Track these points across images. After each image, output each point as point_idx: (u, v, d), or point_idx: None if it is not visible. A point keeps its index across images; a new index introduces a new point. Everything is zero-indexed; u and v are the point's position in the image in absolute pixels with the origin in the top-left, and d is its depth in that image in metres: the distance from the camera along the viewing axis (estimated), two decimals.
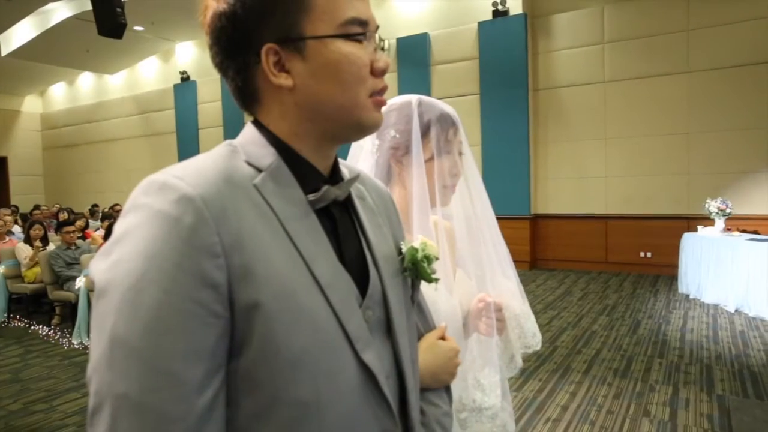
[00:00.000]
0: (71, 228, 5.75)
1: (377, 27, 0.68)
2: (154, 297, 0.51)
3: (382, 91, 0.68)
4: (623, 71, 7.40)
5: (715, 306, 5.44)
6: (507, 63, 7.81)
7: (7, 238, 6.69)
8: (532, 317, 1.17)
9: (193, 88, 11.59)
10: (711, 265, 5.60)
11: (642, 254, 7.35)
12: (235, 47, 0.64)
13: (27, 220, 7.64)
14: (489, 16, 7.98)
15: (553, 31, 7.88)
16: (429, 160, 1.14)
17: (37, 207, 11.30)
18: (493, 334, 1.10)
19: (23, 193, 14.64)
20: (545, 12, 7.93)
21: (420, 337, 0.88)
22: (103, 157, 13.61)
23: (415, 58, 8.50)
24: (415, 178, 1.11)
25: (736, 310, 5.22)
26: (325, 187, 0.66)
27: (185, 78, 11.70)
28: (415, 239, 0.80)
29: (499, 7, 7.85)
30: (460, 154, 1.19)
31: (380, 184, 0.86)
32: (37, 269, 5.77)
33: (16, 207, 12.20)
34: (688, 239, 6.09)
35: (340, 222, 0.70)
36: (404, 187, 1.16)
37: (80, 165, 14.25)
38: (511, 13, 7.82)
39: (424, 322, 0.90)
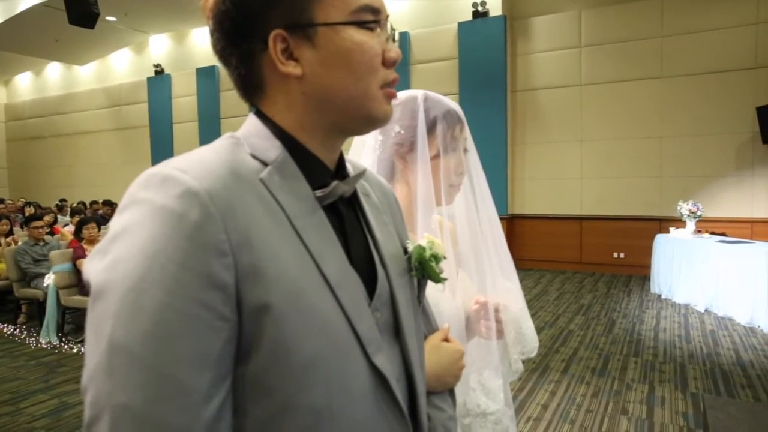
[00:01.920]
0: (39, 223, 5.55)
1: (388, 16, 0.65)
2: (157, 299, 0.47)
3: (394, 82, 0.65)
4: (599, 75, 7.53)
5: (686, 306, 5.58)
6: (486, 64, 7.86)
7: None
8: (530, 322, 1.14)
9: (167, 82, 11.33)
10: (682, 266, 5.75)
11: (615, 255, 7.50)
12: (239, 33, 0.60)
13: None
14: (469, 17, 8.02)
15: (532, 34, 7.96)
16: (434, 158, 1.10)
17: (1, 201, 10.89)
18: (492, 336, 1.08)
19: None
20: (524, 14, 8.01)
21: (424, 338, 0.86)
22: (72, 150, 13.21)
23: None
24: (420, 175, 1.08)
25: (705, 310, 5.36)
26: (334, 183, 0.63)
27: (159, 71, 11.43)
28: (421, 238, 0.78)
29: (479, 8, 7.89)
30: (465, 151, 1.16)
31: (383, 181, 0.84)
32: (2, 266, 5.54)
33: None
34: (660, 240, 6.24)
35: (347, 219, 0.67)
36: (407, 185, 1.12)
37: (47, 158, 13.79)
38: (491, 14, 7.87)
39: (427, 324, 0.88)
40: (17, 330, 5.13)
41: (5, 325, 5.26)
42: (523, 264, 8.09)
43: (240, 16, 0.59)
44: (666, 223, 6.87)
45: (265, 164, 0.59)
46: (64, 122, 13.29)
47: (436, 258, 0.76)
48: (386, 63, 0.63)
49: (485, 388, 1.07)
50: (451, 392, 0.88)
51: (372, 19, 0.61)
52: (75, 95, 13.05)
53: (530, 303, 5.82)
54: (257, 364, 0.52)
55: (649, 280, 6.45)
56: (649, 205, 7.31)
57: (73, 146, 13.17)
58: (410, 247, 0.76)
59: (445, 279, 0.77)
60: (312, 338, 0.54)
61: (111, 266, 0.49)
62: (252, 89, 0.64)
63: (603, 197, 7.61)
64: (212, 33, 0.62)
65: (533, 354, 1.18)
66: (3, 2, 9.41)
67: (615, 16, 7.39)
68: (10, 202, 10.96)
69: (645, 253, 6.62)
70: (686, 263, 5.70)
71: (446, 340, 0.88)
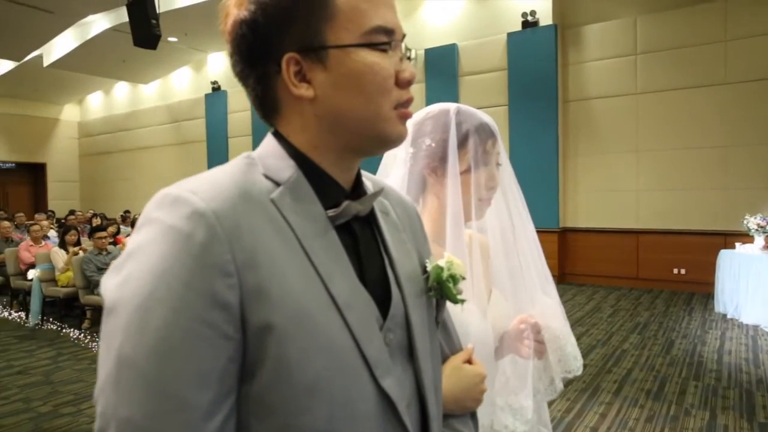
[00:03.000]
0: (103, 234, 5.89)
1: (404, 36, 0.65)
2: (162, 317, 0.49)
3: (407, 102, 0.65)
4: (656, 83, 7.22)
5: (755, 327, 5.20)
6: (536, 74, 7.71)
7: (43, 243, 6.89)
8: (573, 339, 1.10)
9: (223, 98, 11.81)
10: (750, 283, 5.37)
11: (675, 271, 7.11)
12: (255, 56, 0.62)
13: (63, 225, 7.86)
14: (518, 27, 7.91)
15: (584, 42, 7.76)
16: (465, 172, 1.09)
17: (72, 212, 11.64)
18: (531, 356, 1.05)
19: (60, 198, 15.13)
20: (576, 23, 7.82)
21: (445, 359, 0.84)
22: (136, 164, 13.97)
23: (443, 68, 8.48)
24: (450, 190, 1.07)
25: None
26: (346, 203, 0.63)
27: (216, 88, 11.94)
28: (444, 256, 0.77)
29: (529, 18, 7.78)
30: (498, 165, 1.14)
31: (405, 197, 0.83)
32: (70, 273, 5.91)
33: (53, 212, 12.59)
34: (725, 256, 5.87)
35: (362, 239, 0.67)
36: (438, 199, 1.12)
37: (114, 172, 14.65)
38: (541, 23, 7.74)
39: (449, 344, 0.86)
40: (81, 335, 5.44)
41: (72, 330, 5.60)
42: (575, 279, 7.82)
43: (256, 40, 0.60)
44: (731, 237, 6.45)
45: (277, 184, 0.60)
46: (130, 138, 14.10)
47: (454, 279, 0.75)
48: (400, 84, 0.63)
49: (513, 408, 1.04)
50: (473, 415, 0.86)
51: (384, 40, 0.61)
52: (139, 112, 13.84)
53: (582, 320, 5.60)
54: (261, 383, 0.53)
55: (712, 298, 6.06)
56: (713, 218, 6.89)
57: (137, 161, 13.93)
58: (429, 266, 0.75)
59: (463, 300, 0.76)
60: (316, 359, 0.54)
61: (123, 283, 0.51)
62: (269, 110, 0.65)
63: (661, 210, 7.25)
64: (231, 55, 0.64)
65: (578, 372, 1.13)
66: (78, 28, 10.14)
67: (673, 21, 7.08)
68: (80, 213, 11.69)
69: (708, 269, 6.23)
70: (755, 281, 5.33)
71: (469, 361, 0.86)
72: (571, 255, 7.90)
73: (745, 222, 5.71)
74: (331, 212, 0.62)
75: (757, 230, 5.59)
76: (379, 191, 0.69)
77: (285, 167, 0.62)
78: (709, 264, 6.16)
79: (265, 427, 0.53)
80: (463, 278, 0.76)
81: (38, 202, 15.01)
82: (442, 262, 0.75)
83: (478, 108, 1.15)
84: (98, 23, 9.91)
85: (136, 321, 0.49)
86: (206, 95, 12.11)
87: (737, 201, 6.69)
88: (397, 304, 0.66)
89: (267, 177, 0.61)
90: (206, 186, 0.56)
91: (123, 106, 14.39)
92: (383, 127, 0.63)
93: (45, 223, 8.26)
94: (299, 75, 0.61)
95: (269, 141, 0.65)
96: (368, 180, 0.75)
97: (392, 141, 0.65)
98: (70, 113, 15.77)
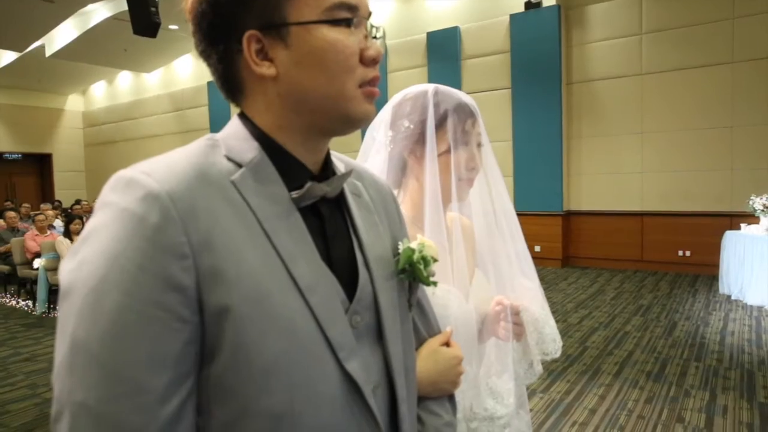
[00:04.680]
0: None
1: (370, 13, 0.64)
2: (116, 300, 0.48)
3: (374, 81, 0.63)
4: (662, 63, 7.11)
5: (759, 308, 5.18)
6: (539, 56, 7.61)
7: (49, 232, 6.95)
8: (552, 321, 1.10)
9: None
10: (755, 264, 5.34)
11: (680, 253, 7.07)
12: (216, 34, 0.60)
13: (68, 215, 7.91)
14: (521, 9, 7.80)
15: (588, 23, 7.63)
16: (444, 153, 1.07)
17: (78, 202, 11.72)
18: (509, 338, 1.05)
19: (67, 188, 15.21)
20: (579, 3, 7.69)
21: (422, 342, 0.84)
22: (140, 153, 13.99)
23: (445, 52, 8.39)
24: (428, 171, 1.05)
25: None
26: (309, 184, 0.61)
27: None
28: (428, 236, 0.76)
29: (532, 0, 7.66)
30: (479, 146, 1.12)
31: (380, 179, 0.82)
32: None
33: (59, 202, 12.68)
34: (730, 237, 5.83)
35: (329, 221, 0.65)
36: (418, 181, 1.11)
37: (118, 161, 14.66)
38: (544, 4, 7.61)
39: (427, 326, 0.85)
40: None
41: None
42: (579, 262, 7.80)
43: (216, 17, 0.59)
44: (737, 219, 6.39)
45: (240, 166, 0.59)
46: (134, 127, 14.11)
47: (425, 261, 0.74)
48: (365, 61, 0.62)
49: (493, 392, 1.03)
50: (451, 397, 0.86)
51: (347, 16, 0.60)
52: (143, 101, 13.82)
53: (585, 302, 5.60)
54: (220, 366, 0.53)
55: (717, 279, 6.03)
56: (718, 199, 6.83)
57: (142, 149, 13.94)
58: (401, 249, 0.75)
59: (434, 282, 0.75)
60: (275, 342, 0.54)
61: (78, 267, 0.51)
62: (233, 90, 0.64)
63: (666, 192, 7.18)
64: (194, 34, 0.63)
65: (557, 354, 1.13)
66: (78, 18, 10.09)
67: (679, 0, 6.95)
68: (86, 203, 11.75)
69: (713, 251, 6.19)
70: (760, 262, 5.29)
71: (447, 344, 0.86)
72: (575, 238, 7.87)
73: (750, 203, 5.65)
74: (294, 194, 0.61)
75: (762, 211, 5.53)
76: (348, 173, 0.68)
77: (248, 149, 0.61)
78: (714, 245, 6.12)
79: (225, 410, 0.53)
80: (435, 260, 0.75)
81: (45, 193, 15.12)
82: (414, 244, 0.74)
83: (481, 91, 1.14)
84: (98, 12, 9.86)
85: (90, 304, 0.49)
86: (209, 83, 12.04)
87: (743, 182, 6.61)
88: (364, 287, 0.65)
89: (229, 159, 0.60)
90: (162, 167, 0.55)
91: (126, 96, 14.38)
92: (347, 106, 0.61)
93: (50, 212, 8.33)
94: (261, 53, 0.59)
95: (234, 122, 0.64)
96: (340, 161, 0.73)
97: (357, 120, 0.63)
98: (74, 103, 15.78)
